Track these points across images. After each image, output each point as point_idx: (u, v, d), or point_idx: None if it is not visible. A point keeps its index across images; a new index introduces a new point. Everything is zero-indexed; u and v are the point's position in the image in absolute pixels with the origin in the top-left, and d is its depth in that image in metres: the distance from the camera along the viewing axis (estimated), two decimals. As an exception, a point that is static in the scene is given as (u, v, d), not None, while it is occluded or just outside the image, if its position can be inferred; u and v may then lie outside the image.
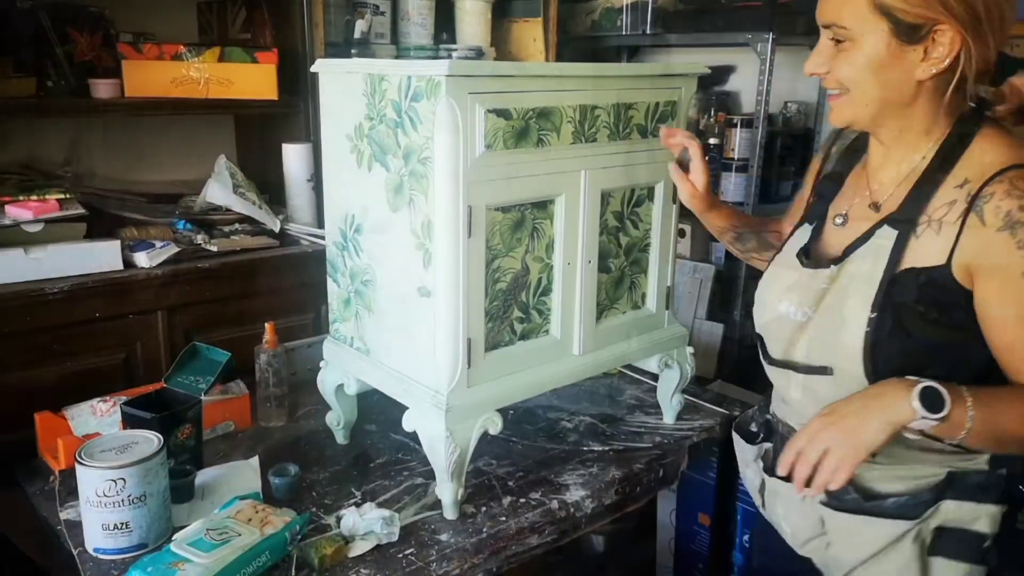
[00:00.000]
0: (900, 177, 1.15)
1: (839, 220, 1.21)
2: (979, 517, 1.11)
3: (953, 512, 1.12)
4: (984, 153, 1.07)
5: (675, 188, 1.63)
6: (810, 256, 1.21)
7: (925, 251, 1.08)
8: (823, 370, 1.15)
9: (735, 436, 1.41)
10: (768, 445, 1.33)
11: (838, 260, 1.15)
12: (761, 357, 1.29)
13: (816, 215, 1.27)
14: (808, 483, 1.08)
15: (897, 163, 1.16)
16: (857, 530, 1.16)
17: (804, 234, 1.26)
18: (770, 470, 1.29)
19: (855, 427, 1.03)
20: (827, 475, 1.05)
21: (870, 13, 1.05)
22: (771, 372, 1.28)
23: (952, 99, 1.08)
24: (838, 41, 1.09)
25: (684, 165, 1.50)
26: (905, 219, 1.10)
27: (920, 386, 1.01)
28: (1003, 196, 1.02)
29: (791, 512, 1.27)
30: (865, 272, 1.11)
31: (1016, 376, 1.07)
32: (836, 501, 1.17)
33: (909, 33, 1.04)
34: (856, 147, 1.29)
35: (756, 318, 1.30)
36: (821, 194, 1.29)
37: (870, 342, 1.09)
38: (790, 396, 1.24)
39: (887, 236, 1.11)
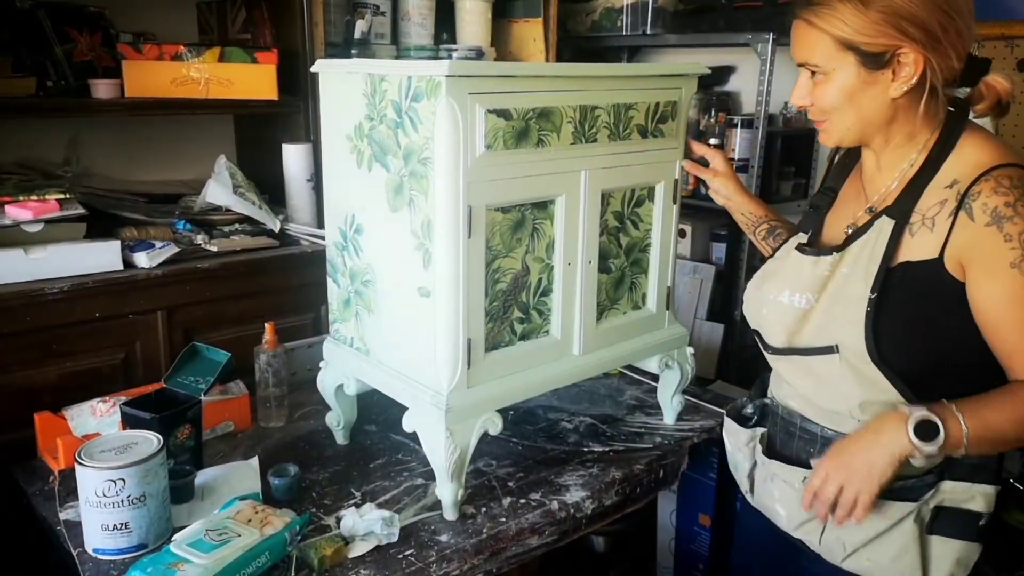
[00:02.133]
0: (892, 182, 1.22)
1: (850, 230, 1.25)
2: (974, 496, 1.18)
3: (950, 492, 1.18)
4: (970, 154, 1.15)
5: (675, 188, 1.63)
6: (811, 247, 1.28)
7: (920, 247, 1.15)
8: (828, 349, 1.20)
9: (727, 421, 1.43)
10: (762, 429, 1.36)
11: (839, 248, 1.22)
12: (762, 349, 1.34)
13: (810, 225, 1.33)
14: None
15: (889, 169, 1.23)
16: None
17: (800, 239, 1.32)
18: (769, 452, 1.34)
19: (863, 466, 1.13)
20: (846, 510, 1.15)
21: (837, 50, 1.14)
22: (773, 361, 1.33)
23: (928, 106, 1.17)
24: (813, 74, 1.20)
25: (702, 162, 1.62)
26: (899, 211, 1.18)
27: (913, 420, 1.10)
28: (989, 193, 1.10)
29: (787, 494, 1.29)
30: (865, 257, 1.18)
31: (1005, 360, 1.14)
32: None
33: (875, 61, 1.13)
34: (846, 161, 1.37)
35: (751, 314, 1.36)
36: (816, 206, 1.36)
37: (871, 319, 1.15)
38: (793, 380, 1.29)
39: (885, 225, 1.18)
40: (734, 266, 2.90)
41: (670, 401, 1.79)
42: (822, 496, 1.16)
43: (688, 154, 1.62)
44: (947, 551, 1.18)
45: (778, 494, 1.31)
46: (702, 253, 3.09)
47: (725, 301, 2.99)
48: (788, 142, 2.87)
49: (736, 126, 2.81)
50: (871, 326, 1.15)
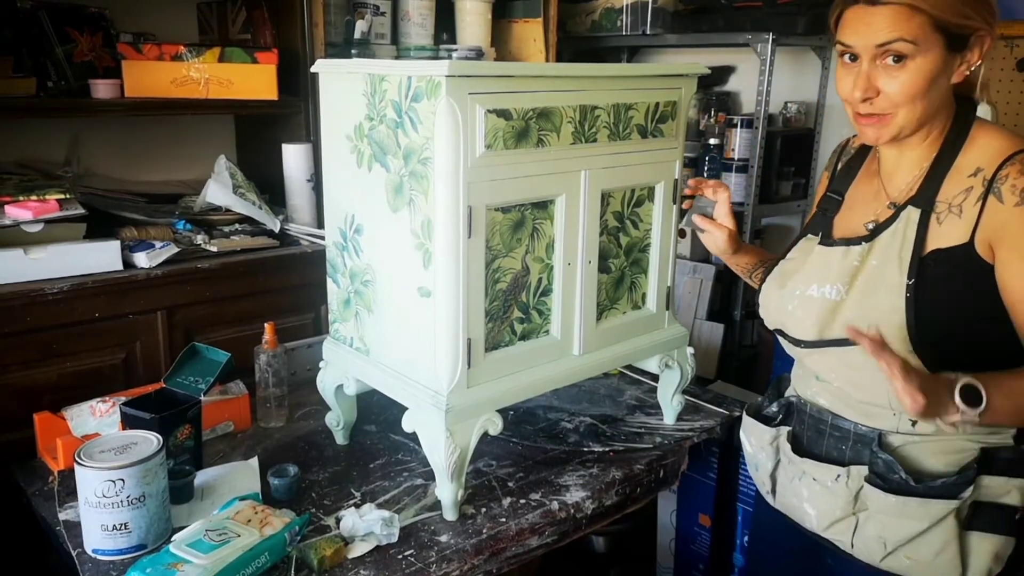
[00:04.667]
0: (918, 176, 1.22)
1: (871, 226, 1.25)
2: (1009, 491, 1.18)
3: (987, 487, 1.18)
4: (988, 144, 1.17)
5: (675, 188, 1.63)
6: (834, 240, 1.27)
7: (948, 234, 1.16)
8: None
9: (748, 420, 1.42)
10: (787, 428, 1.35)
11: (868, 239, 1.22)
12: (789, 345, 1.33)
13: (820, 228, 1.32)
14: None
15: (912, 164, 1.23)
16: (904, 510, 1.19)
17: (811, 242, 1.31)
18: (796, 451, 1.33)
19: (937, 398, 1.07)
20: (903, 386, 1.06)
21: (931, 31, 1.11)
22: (803, 356, 1.32)
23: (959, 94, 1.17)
24: (897, 59, 1.12)
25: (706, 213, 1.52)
26: (923, 200, 1.19)
27: (960, 384, 1.07)
28: (1017, 175, 1.12)
29: (819, 493, 1.29)
30: (897, 246, 1.18)
31: None
32: (883, 482, 1.21)
33: (960, 44, 1.12)
34: (852, 165, 1.36)
35: (770, 314, 1.34)
36: (825, 209, 1.34)
37: (911, 306, 1.16)
38: (827, 374, 1.28)
39: (912, 214, 1.19)
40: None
41: (670, 401, 1.79)
42: (919, 393, 1.05)
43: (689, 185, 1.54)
44: (985, 546, 1.19)
45: (807, 493, 1.30)
46: (702, 253, 3.09)
47: (725, 301, 2.99)
48: (788, 142, 2.87)
49: (736, 126, 2.81)
50: (912, 312, 1.15)
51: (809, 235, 1.33)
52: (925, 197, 1.18)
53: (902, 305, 1.16)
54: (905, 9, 1.11)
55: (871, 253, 1.21)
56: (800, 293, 1.27)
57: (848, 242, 1.23)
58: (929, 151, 1.21)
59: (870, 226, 1.24)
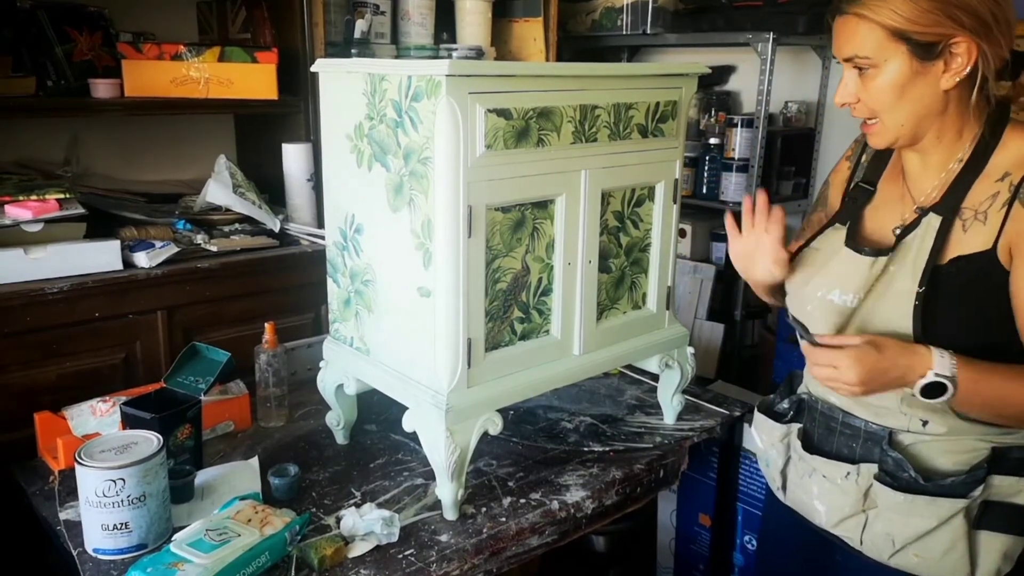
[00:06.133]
0: (942, 181, 1.21)
1: (899, 231, 1.24)
2: (1021, 490, 1.19)
3: (998, 487, 1.19)
4: (1018, 146, 1.16)
5: (676, 187, 1.63)
6: (862, 246, 1.26)
7: (973, 240, 1.15)
8: None
9: (759, 416, 1.42)
10: (798, 425, 1.36)
11: (891, 248, 1.22)
12: (803, 340, 1.32)
13: (848, 217, 1.31)
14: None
15: (937, 169, 1.22)
16: (913, 509, 1.19)
17: (839, 233, 1.30)
18: (806, 448, 1.33)
19: (882, 381, 1.15)
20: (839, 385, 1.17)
21: (888, 41, 1.12)
22: None
23: (978, 98, 1.16)
24: (861, 70, 1.16)
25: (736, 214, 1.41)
26: (947, 207, 1.18)
27: (926, 381, 1.12)
28: None
29: (828, 490, 1.29)
30: (913, 253, 1.18)
31: None
32: (892, 480, 1.21)
33: (927, 51, 1.12)
34: (881, 156, 1.34)
35: (796, 305, 1.33)
36: (855, 198, 1.33)
37: (919, 314, 1.16)
38: None
39: (933, 221, 1.18)
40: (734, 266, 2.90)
41: (670, 401, 1.79)
42: (842, 377, 1.14)
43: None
44: (994, 545, 1.19)
45: (817, 490, 1.31)
46: (702, 253, 3.09)
47: (725, 301, 2.99)
48: (788, 141, 2.87)
49: (736, 126, 2.81)
50: (919, 320, 1.15)
51: (837, 224, 1.31)
52: (949, 204, 1.18)
53: (910, 312, 1.16)
54: (858, 20, 1.13)
55: (892, 258, 1.20)
56: (821, 296, 1.26)
57: (877, 252, 1.22)
58: (950, 154, 1.20)
59: (897, 231, 1.23)
